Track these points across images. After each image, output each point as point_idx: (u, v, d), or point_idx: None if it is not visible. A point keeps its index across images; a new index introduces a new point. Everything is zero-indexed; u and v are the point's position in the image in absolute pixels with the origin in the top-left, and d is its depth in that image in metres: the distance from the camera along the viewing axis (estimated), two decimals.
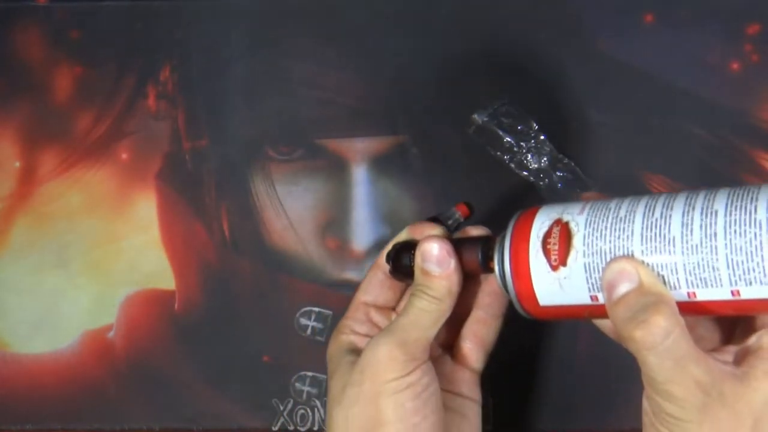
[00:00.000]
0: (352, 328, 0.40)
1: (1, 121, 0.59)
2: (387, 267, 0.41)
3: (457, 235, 0.42)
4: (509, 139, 0.57)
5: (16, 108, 0.59)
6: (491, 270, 0.38)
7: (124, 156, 0.59)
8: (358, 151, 0.57)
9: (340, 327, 0.41)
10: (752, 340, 0.33)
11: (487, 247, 0.38)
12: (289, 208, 0.57)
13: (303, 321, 0.55)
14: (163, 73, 0.60)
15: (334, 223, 0.57)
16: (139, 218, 0.57)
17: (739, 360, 0.33)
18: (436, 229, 0.40)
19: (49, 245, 0.57)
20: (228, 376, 0.56)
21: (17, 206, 0.58)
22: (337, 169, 0.57)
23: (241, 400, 0.55)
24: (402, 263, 0.40)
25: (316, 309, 0.56)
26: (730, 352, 0.34)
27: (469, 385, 0.41)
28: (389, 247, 0.41)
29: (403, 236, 0.42)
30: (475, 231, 0.41)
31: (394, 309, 0.43)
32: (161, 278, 0.57)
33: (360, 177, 0.57)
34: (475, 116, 0.57)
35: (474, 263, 0.38)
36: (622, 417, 0.54)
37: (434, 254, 0.37)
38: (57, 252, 0.57)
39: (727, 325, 0.37)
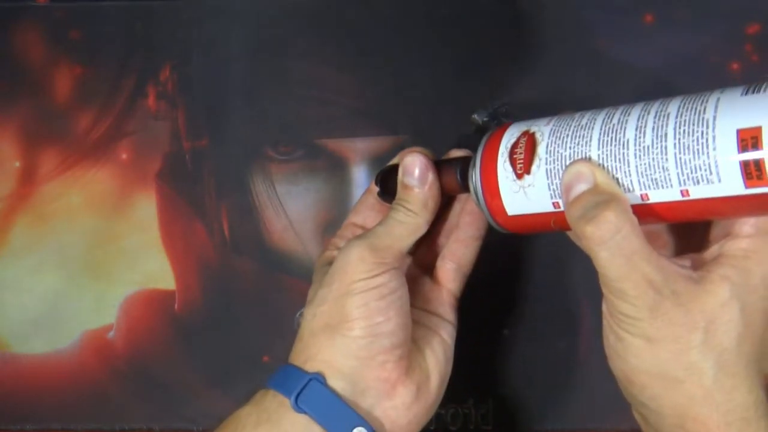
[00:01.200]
0: (337, 245, 0.41)
1: (1, 121, 0.59)
2: (377, 190, 0.42)
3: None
4: None
5: (16, 108, 0.59)
6: (468, 189, 0.38)
7: (124, 156, 0.59)
8: (358, 151, 0.57)
9: (327, 245, 0.42)
10: (713, 248, 0.33)
11: (465, 165, 0.39)
12: (289, 208, 0.57)
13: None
14: (163, 73, 0.60)
15: (334, 223, 0.57)
16: (139, 218, 0.57)
17: (697, 266, 0.33)
18: (419, 149, 0.41)
19: (49, 245, 0.57)
20: (228, 376, 0.56)
21: (17, 206, 0.58)
22: (337, 169, 0.57)
23: (241, 400, 0.55)
24: (388, 185, 0.40)
25: None
26: (690, 258, 0.34)
27: (445, 305, 0.41)
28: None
29: (395, 161, 0.43)
30: (457, 152, 0.42)
31: None
32: (161, 278, 0.57)
33: (360, 177, 0.57)
34: (475, 116, 0.57)
35: (453, 182, 0.39)
36: (622, 417, 0.54)
37: (413, 168, 0.38)
38: (57, 252, 0.57)
39: (689, 238, 0.37)
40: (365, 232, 0.38)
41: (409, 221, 0.38)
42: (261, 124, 0.59)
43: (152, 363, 0.56)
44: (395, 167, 0.41)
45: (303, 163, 0.58)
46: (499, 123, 0.57)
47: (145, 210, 0.58)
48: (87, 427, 0.55)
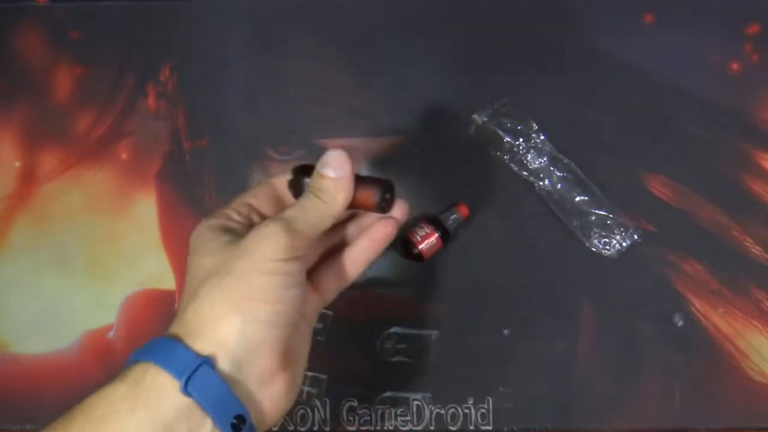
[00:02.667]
0: (230, 216, 0.40)
1: (1, 121, 0.59)
2: (283, 184, 0.42)
3: None
4: (509, 139, 0.57)
5: (16, 108, 0.59)
6: (384, 210, 0.40)
7: (124, 156, 0.59)
8: (358, 151, 0.57)
9: (216, 213, 0.40)
10: None
11: (386, 188, 0.40)
12: None
13: None
14: (163, 73, 0.60)
15: None
16: (139, 218, 0.57)
17: None
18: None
19: (49, 245, 0.57)
20: None
21: (17, 206, 0.58)
22: None
23: None
24: (302, 180, 0.41)
25: None
26: None
27: (314, 310, 0.41)
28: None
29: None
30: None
31: None
32: (161, 278, 0.57)
33: None
34: (475, 116, 0.57)
35: (370, 198, 0.40)
36: (622, 417, 0.54)
37: (333, 160, 0.39)
38: (57, 252, 0.57)
39: None
40: (280, 214, 0.38)
41: (321, 208, 0.38)
42: (261, 124, 0.59)
43: None
44: (314, 165, 0.41)
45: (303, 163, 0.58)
46: (499, 123, 0.57)
47: (145, 210, 0.58)
48: None
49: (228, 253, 0.36)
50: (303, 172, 0.41)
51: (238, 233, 0.38)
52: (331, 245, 0.43)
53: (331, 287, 0.42)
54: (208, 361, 0.34)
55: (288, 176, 0.42)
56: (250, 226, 0.39)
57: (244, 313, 0.34)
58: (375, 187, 0.40)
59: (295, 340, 0.38)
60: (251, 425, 0.35)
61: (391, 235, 0.41)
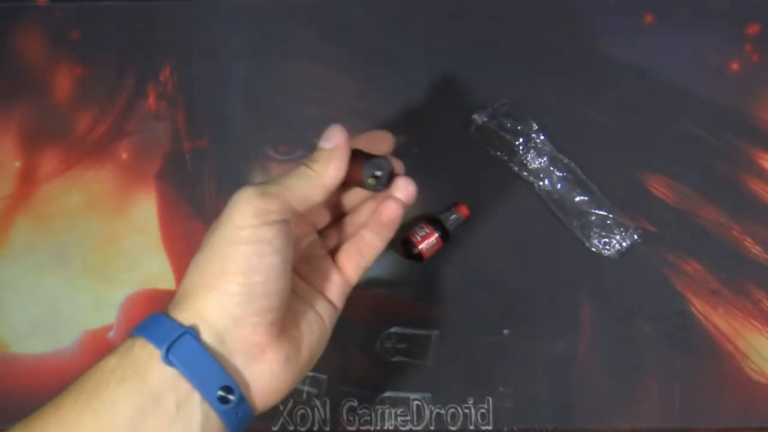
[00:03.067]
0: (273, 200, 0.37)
1: (1, 121, 0.59)
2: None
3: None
4: (509, 139, 0.57)
5: (16, 108, 0.59)
6: (366, 186, 0.39)
7: (124, 156, 0.59)
8: None
9: (265, 188, 0.37)
10: None
11: (376, 165, 0.39)
12: None
13: None
14: (163, 73, 0.60)
15: None
16: (139, 218, 0.57)
17: None
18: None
19: (49, 245, 0.57)
20: None
21: (17, 206, 0.58)
22: None
23: None
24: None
25: None
26: None
27: (336, 289, 0.41)
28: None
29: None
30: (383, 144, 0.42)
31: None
32: (161, 278, 0.57)
33: None
34: (475, 116, 0.57)
35: (358, 173, 0.39)
36: (622, 417, 0.54)
37: (328, 133, 0.38)
38: (57, 252, 0.57)
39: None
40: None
41: (307, 174, 0.37)
42: (261, 123, 0.59)
43: None
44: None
45: None
46: (499, 123, 0.57)
47: (145, 210, 0.58)
48: None
49: (209, 228, 0.36)
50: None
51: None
52: (352, 227, 0.42)
53: (353, 265, 0.41)
54: (191, 332, 0.33)
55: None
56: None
57: (218, 288, 0.34)
58: (364, 162, 0.38)
59: (290, 313, 0.37)
60: (241, 397, 0.34)
61: (394, 216, 0.40)
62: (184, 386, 0.33)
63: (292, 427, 0.54)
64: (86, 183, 0.58)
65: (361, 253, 0.41)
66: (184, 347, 0.33)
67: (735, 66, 0.59)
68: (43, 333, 0.56)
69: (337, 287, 0.41)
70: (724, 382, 0.54)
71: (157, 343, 0.33)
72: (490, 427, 0.53)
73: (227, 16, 0.60)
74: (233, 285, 0.34)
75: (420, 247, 0.54)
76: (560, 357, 0.55)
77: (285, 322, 0.36)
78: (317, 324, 0.39)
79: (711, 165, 0.57)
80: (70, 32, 0.61)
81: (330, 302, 0.40)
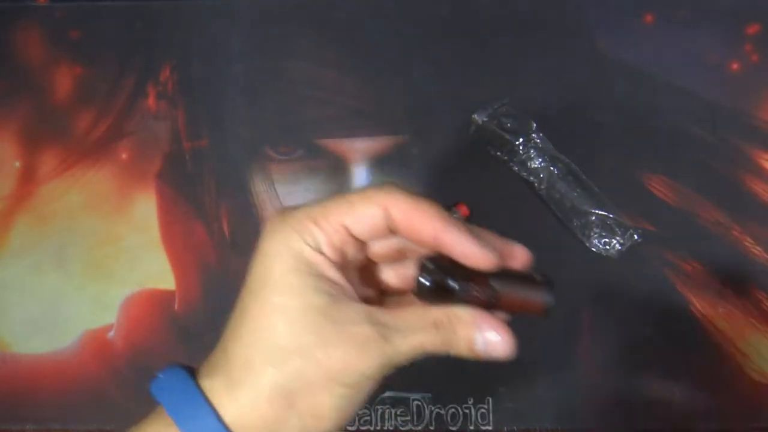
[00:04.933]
0: (330, 240, 0.30)
1: (1, 121, 0.59)
2: (397, 211, 0.33)
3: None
4: (509, 139, 0.57)
5: (16, 108, 0.59)
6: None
7: (124, 156, 0.59)
8: (358, 151, 0.57)
9: (306, 222, 0.30)
10: None
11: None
12: None
13: None
14: (163, 73, 0.60)
15: None
16: (139, 218, 0.57)
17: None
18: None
19: (49, 245, 0.57)
20: None
21: (17, 206, 0.58)
22: (337, 169, 0.57)
23: None
24: (445, 280, 0.33)
25: None
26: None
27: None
28: None
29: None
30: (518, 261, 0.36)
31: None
32: (161, 278, 0.57)
33: (360, 177, 0.57)
34: (475, 116, 0.57)
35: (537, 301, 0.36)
36: (622, 417, 0.54)
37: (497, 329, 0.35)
38: (57, 252, 0.57)
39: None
40: (382, 321, 0.30)
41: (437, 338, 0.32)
42: (261, 124, 0.59)
43: (152, 363, 0.56)
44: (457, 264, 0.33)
45: (303, 163, 0.58)
46: (499, 123, 0.57)
47: (145, 210, 0.58)
48: (87, 427, 0.55)
49: (315, 337, 0.29)
50: (443, 270, 0.32)
51: (331, 283, 0.30)
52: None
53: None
54: None
55: (421, 260, 0.33)
56: (343, 266, 0.31)
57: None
58: (537, 288, 0.35)
59: None
60: None
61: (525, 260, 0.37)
62: None
63: None
64: (86, 183, 0.58)
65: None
66: None
67: (735, 66, 0.59)
68: (43, 333, 0.56)
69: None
70: (724, 383, 0.54)
71: None
72: (490, 427, 0.53)
73: (227, 16, 0.60)
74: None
75: None
76: (560, 357, 0.55)
77: None
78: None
79: (711, 165, 0.57)
80: (70, 32, 0.61)
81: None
